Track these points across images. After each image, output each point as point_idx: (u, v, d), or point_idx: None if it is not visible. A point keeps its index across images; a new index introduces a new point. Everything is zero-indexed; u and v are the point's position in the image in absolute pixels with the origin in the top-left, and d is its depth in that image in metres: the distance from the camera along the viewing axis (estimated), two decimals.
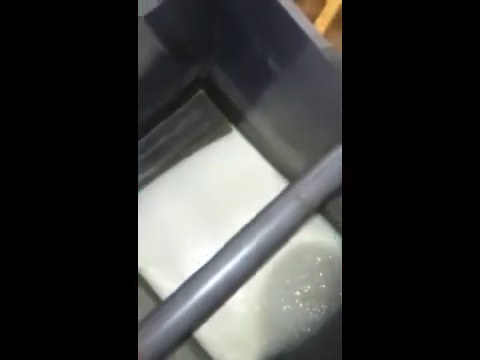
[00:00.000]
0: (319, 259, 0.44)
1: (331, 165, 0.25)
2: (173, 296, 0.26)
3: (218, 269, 0.25)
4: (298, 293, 0.42)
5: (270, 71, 0.36)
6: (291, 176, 0.47)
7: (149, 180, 0.46)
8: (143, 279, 0.43)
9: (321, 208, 0.26)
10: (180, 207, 0.46)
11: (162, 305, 0.25)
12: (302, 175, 0.27)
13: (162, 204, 0.46)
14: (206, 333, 0.40)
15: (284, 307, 0.42)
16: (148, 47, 0.30)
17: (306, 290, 0.42)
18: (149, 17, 0.25)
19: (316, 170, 0.27)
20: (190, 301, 0.25)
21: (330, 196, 0.26)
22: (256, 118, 0.45)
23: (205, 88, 0.47)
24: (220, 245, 0.43)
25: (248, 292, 0.42)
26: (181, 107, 0.48)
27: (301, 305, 0.42)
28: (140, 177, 0.46)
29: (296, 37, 0.28)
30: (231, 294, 0.24)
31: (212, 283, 0.25)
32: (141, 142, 0.46)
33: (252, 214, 0.42)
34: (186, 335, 0.25)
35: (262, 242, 0.26)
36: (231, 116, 0.48)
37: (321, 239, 0.44)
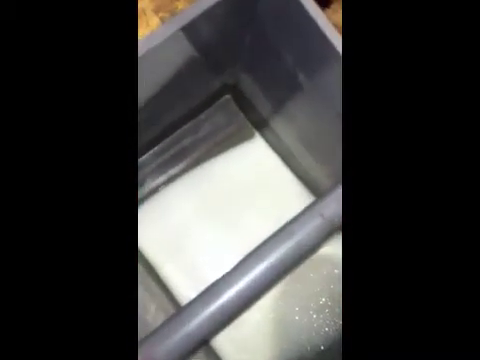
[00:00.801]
0: (336, 271, 0.44)
1: None
2: (192, 304, 0.26)
3: (238, 280, 0.26)
4: (312, 304, 0.42)
5: (297, 82, 0.36)
6: (311, 185, 0.47)
7: (172, 179, 0.47)
8: (159, 276, 0.44)
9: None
10: (199, 206, 0.46)
11: (181, 312, 0.26)
12: (325, 193, 0.27)
13: (182, 202, 0.46)
14: (219, 338, 0.41)
15: (297, 317, 0.42)
16: (182, 55, 0.30)
17: (321, 302, 0.42)
18: (185, 28, 0.25)
19: (339, 189, 0.27)
20: (208, 310, 0.25)
21: None
22: (280, 126, 0.45)
23: (231, 93, 0.48)
24: (235, 247, 0.43)
25: (263, 300, 0.42)
26: (207, 110, 0.48)
27: (315, 317, 0.42)
28: (163, 176, 0.46)
29: (325, 51, 0.28)
30: (249, 306, 0.25)
31: (231, 294, 0.25)
32: (166, 142, 0.47)
33: (269, 219, 0.42)
34: (202, 343, 0.25)
35: (283, 257, 0.26)
36: (255, 122, 0.48)
37: (339, 251, 0.44)
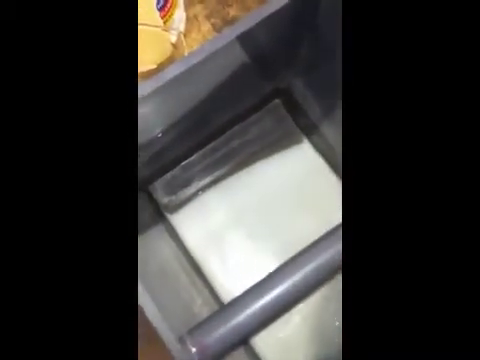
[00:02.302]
0: None
1: None
2: (238, 300, 0.27)
3: (281, 282, 0.26)
4: None
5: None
6: None
7: (218, 180, 0.48)
8: (203, 272, 0.45)
9: None
10: (243, 208, 0.47)
11: (227, 307, 0.26)
12: None
13: (227, 203, 0.47)
14: (259, 339, 0.41)
15: (337, 323, 0.42)
16: (237, 62, 0.31)
17: None
18: (241, 36, 0.26)
19: None
20: (253, 307, 0.26)
21: None
22: (329, 132, 0.46)
23: (281, 97, 0.48)
24: (277, 250, 0.44)
25: (304, 304, 0.42)
26: (256, 113, 0.49)
27: None
28: (210, 176, 0.48)
29: None
30: (291, 307, 0.25)
31: (274, 294, 0.26)
32: (215, 143, 0.48)
33: (315, 224, 0.42)
34: (245, 337, 0.26)
35: (327, 260, 0.26)
36: (304, 127, 0.48)
37: None
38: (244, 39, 0.27)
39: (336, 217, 0.44)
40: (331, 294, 0.43)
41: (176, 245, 0.46)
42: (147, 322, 0.24)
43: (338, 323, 0.42)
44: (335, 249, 0.27)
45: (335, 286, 0.43)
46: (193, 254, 0.46)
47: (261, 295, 0.25)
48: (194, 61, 0.24)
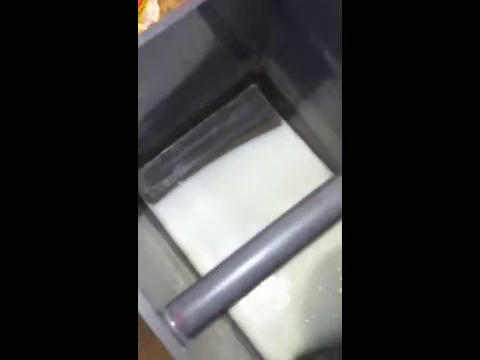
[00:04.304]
0: None
1: None
2: (217, 268, 0.27)
3: (256, 251, 0.26)
4: (340, 290, 0.42)
5: (325, 65, 0.36)
6: (339, 171, 0.46)
7: (199, 168, 0.47)
8: (187, 257, 0.45)
9: None
10: (225, 194, 0.47)
11: (203, 280, 0.26)
12: (326, 184, 0.28)
13: (209, 190, 0.47)
14: (247, 315, 0.41)
15: (327, 302, 0.42)
16: (206, 38, 0.31)
17: None
18: (205, 10, 0.26)
19: (338, 179, 0.27)
20: (227, 279, 0.26)
21: None
22: (308, 112, 0.46)
23: (258, 82, 0.48)
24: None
25: (294, 283, 0.42)
26: (233, 100, 0.49)
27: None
28: (191, 165, 0.47)
29: None
30: (265, 277, 0.25)
31: (250, 263, 0.26)
32: (194, 131, 0.48)
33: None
34: (223, 309, 0.25)
35: (310, 222, 0.26)
36: (282, 110, 0.48)
37: None
38: (207, 13, 0.27)
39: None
40: (320, 277, 0.43)
41: (161, 235, 0.46)
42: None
43: (328, 303, 0.42)
44: (310, 216, 0.27)
45: (324, 270, 0.43)
46: (178, 243, 0.45)
47: (236, 265, 0.25)
48: (156, 32, 0.24)
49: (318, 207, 0.26)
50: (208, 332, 0.36)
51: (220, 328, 0.40)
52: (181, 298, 0.26)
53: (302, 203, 0.27)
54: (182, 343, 0.22)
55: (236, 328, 0.42)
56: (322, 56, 0.36)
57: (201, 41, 0.31)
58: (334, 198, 0.26)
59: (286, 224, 0.27)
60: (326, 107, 0.43)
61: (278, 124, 0.49)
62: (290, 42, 0.39)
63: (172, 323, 0.24)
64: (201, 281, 0.26)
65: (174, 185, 0.47)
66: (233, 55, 0.38)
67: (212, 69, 0.38)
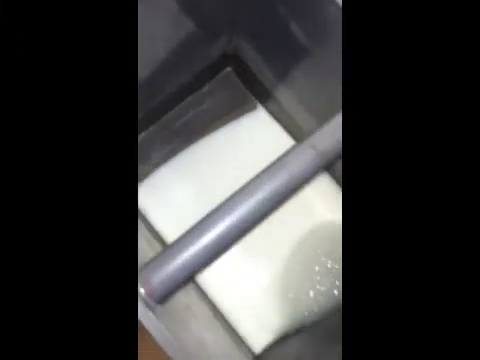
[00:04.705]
0: (340, 236, 0.44)
1: None
2: (186, 235, 0.27)
3: (225, 217, 0.26)
4: (318, 268, 0.43)
5: (296, 42, 0.36)
6: None
7: (176, 153, 0.47)
8: (160, 235, 0.45)
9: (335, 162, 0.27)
10: (202, 179, 0.47)
11: (171, 246, 0.26)
12: (319, 127, 0.28)
13: (186, 175, 0.47)
14: (226, 298, 0.41)
15: (305, 282, 0.43)
16: (174, 20, 0.31)
17: (328, 265, 0.43)
18: None
19: (332, 123, 0.27)
20: (196, 245, 0.26)
21: None
22: (283, 94, 0.46)
23: (233, 65, 0.48)
24: None
25: (271, 263, 0.43)
26: (209, 84, 0.48)
27: (319, 278, 0.42)
28: (167, 149, 0.47)
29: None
30: (234, 242, 0.25)
31: (218, 229, 0.26)
32: (168, 117, 0.47)
33: None
34: (192, 275, 0.26)
35: (276, 188, 0.26)
36: (257, 93, 0.48)
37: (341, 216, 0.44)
38: None
39: None
40: (297, 257, 0.44)
41: (139, 220, 0.45)
42: None
43: (305, 282, 0.43)
44: (277, 180, 0.27)
45: (300, 249, 0.44)
46: (156, 228, 0.45)
47: (203, 232, 0.26)
48: None
49: (282, 173, 0.27)
50: (187, 314, 0.36)
51: (200, 311, 0.40)
52: (149, 265, 0.26)
53: (266, 170, 0.28)
54: (151, 309, 0.22)
55: (215, 309, 0.42)
56: (293, 35, 0.36)
57: (169, 20, 0.31)
58: (298, 163, 0.27)
59: (251, 191, 0.27)
60: (301, 88, 0.43)
61: (254, 108, 0.49)
62: (261, 19, 0.39)
63: (141, 290, 0.24)
64: (168, 249, 0.26)
65: (151, 170, 0.47)
66: (203, 33, 0.38)
67: (183, 48, 0.38)
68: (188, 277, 0.26)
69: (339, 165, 0.42)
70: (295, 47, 0.37)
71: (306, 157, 0.27)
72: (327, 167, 0.26)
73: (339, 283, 0.41)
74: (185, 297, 0.37)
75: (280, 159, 0.27)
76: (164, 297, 0.26)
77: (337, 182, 0.46)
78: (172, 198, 0.46)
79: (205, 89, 0.49)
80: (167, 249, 0.27)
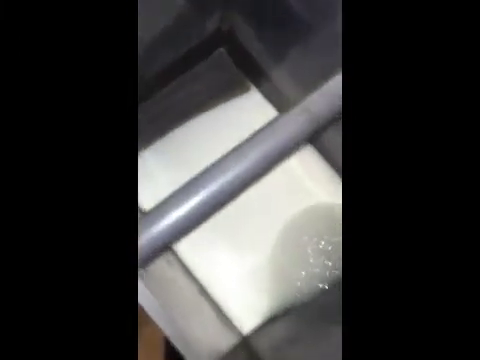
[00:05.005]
0: (330, 217, 0.43)
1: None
2: (157, 208, 0.26)
3: (220, 174, 0.25)
4: (310, 250, 0.42)
5: (295, 16, 0.35)
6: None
7: (166, 133, 0.46)
8: None
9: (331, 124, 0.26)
10: (192, 162, 0.46)
11: (148, 214, 0.25)
12: (313, 90, 0.27)
13: (175, 159, 0.46)
14: (214, 281, 0.40)
15: (295, 263, 0.42)
16: None
17: (320, 246, 0.42)
18: None
19: (327, 85, 0.26)
20: (171, 215, 0.25)
21: (340, 113, 0.25)
22: (277, 74, 0.45)
23: (225, 45, 0.47)
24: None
25: (260, 245, 0.42)
26: (201, 64, 0.48)
27: (312, 261, 0.41)
28: (155, 128, 0.46)
29: None
30: (211, 214, 0.24)
31: (194, 200, 0.25)
32: (160, 94, 0.47)
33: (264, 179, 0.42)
34: (175, 237, 0.25)
35: (266, 152, 0.25)
36: (251, 73, 0.48)
37: (333, 199, 0.44)
38: None
39: (289, 165, 0.44)
40: (287, 237, 0.43)
41: None
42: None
43: (295, 263, 0.42)
44: (273, 138, 0.26)
45: (290, 229, 0.43)
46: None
47: (180, 202, 0.25)
48: None
49: (276, 136, 0.26)
50: (172, 291, 0.35)
51: (187, 290, 0.39)
52: None
53: (257, 133, 0.27)
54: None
55: (203, 291, 0.41)
56: (292, 8, 0.35)
57: None
58: (290, 128, 0.26)
59: (242, 153, 0.26)
60: (298, 67, 0.42)
61: (247, 89, 0.48)
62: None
63: None
64: (153, 212, 0.25)
65: (141, 148, 0.46)
66: (194, 9, 0.37)
67: (172, 25, 0.37)
68: (169, 243, 0.25)
69: (327, 136, 0.41)
70: (294, 22, 0.36)
71: (299, 121, 0.26)
72: (319, 133, 0.25)
73: (332, 263, 0.40)
74: (171, 272, 0.36)
75: (273, 123, 0.26)
76: (147, 260, 0.24)
77: (325, 159, 0.45)
78: (157, 183, 0.45)
79: (197, 69, 0.48)
80: (151, 213, 0.26)
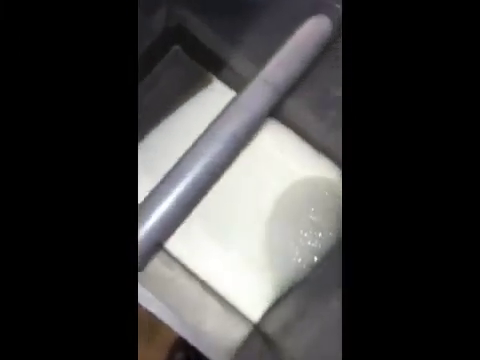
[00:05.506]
0: (318, 191, 0.44)
1: (302, 46, 0.25)
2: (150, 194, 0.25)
3: (194, 164, 0.25)
4: (301, 223, 0.42)
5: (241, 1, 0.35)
6: None
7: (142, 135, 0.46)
8: None
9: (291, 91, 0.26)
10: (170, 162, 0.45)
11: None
12: (269, 60, 0.27)
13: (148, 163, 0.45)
14: (214, 276, 0.40)
15: (287, 238, 0.42)
16: None
17: (312, 219, 0.42)
18: None
19: (280, 54, 0.26)
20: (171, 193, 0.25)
21: (299, 78, 0.25)
22: (236, 59, 0.45)
23: (179, 42, 0.47)
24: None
25: (254, 232, 0.42)
26: (159, 65, 0.47)
27: (306, 235, 0.41)
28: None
29: None
30: (195, 203, 0.24)
31: (192, 174, 0.25)
32: None
33: (244, 165, 0.42)
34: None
35: (235, 129, 0.25)
36: (209, 65, 0.47)
37: (319, 173, 0.44)
38: None
39: (263, 146, 0.44)
40: (277, 212, 0.43)
41: None
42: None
43: (287, 238, 0.42)
44: (240, 114, 0.26)
45: (278, 204, 0.43)
46: None
47: (163, 197, 0.24)
48: None
49: (243, 113, 0.26)
50: (171, 288, 0.35)
51: (191, 289, 0.39)
52: None
53: (222, 114, 0.27)
54: None
55: (206, 287, 0.41)
56: None
57: None
58: (254, 101, 0.26)
59: (213, 137, 0.26)
60: (252, 48, 0.42)
61: (209, 81, 0.48)
62: None
63: None
64: (139, 210, 0.24)
65: None
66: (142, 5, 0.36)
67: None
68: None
69: (287, 105, 0.41)
70: (244, 6, 0.36)
71: (259, 93, 0.26)
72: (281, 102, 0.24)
73: (321, 234, 0.40)
74: (172, 274, 0.36)
75: (236, 100, 0.26)
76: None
77: (297, 133, 0.44)
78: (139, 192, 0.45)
79: (155, 72, 0.47)
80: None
